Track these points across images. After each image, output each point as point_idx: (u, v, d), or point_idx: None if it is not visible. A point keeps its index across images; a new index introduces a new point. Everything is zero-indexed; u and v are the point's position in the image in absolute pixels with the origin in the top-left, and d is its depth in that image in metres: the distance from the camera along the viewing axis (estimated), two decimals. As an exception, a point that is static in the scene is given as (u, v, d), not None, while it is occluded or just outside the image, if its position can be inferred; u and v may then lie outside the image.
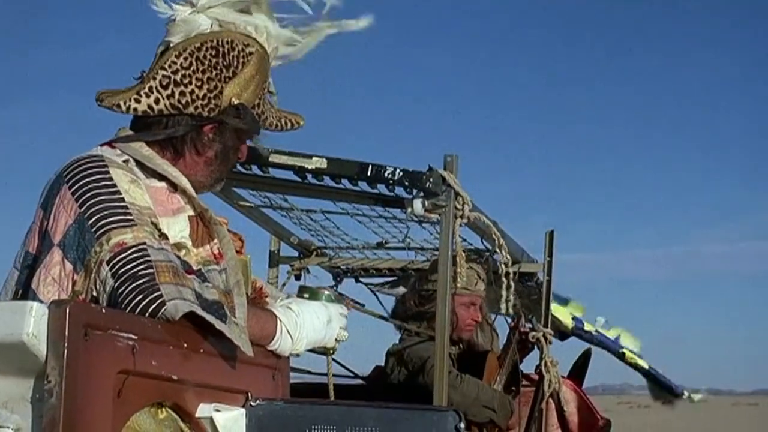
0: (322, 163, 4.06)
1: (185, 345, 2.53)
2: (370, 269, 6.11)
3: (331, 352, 3.12)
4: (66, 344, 2.20)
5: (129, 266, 2.52)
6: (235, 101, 2.86)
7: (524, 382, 5.49)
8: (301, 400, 2.89)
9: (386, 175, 4.03)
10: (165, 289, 2.49)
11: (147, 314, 2.47)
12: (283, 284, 5.78)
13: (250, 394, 2.77)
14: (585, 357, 5.84)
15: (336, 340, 3.03)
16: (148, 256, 2.54)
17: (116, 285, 2.51)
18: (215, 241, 2.81)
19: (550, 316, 5.40)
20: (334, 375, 5.74)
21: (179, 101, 2.82)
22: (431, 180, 4.02)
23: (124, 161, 2.76)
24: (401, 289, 6.07)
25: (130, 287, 2.50)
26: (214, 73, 2.84)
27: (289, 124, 3.06)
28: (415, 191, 4.06)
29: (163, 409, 2.55)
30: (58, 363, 2.20)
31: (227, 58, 2.86)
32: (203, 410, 2.65)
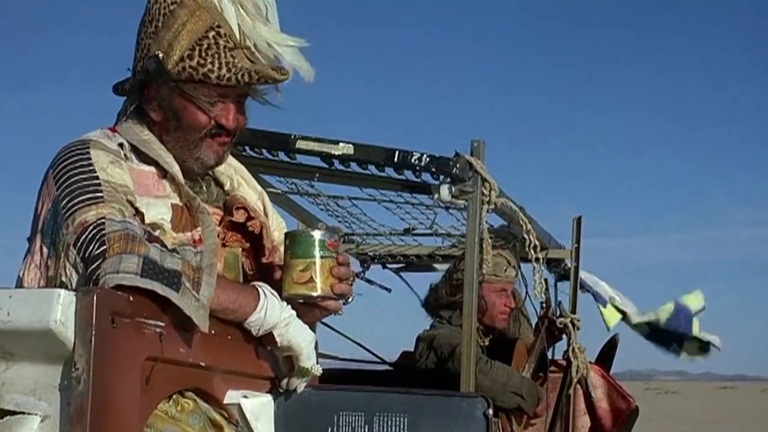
0: (349, 149, 4.06)
1: (212, 332, 2.52)
2: (397, 255, 6.11)
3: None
4: (93, 332, 2.20)
5: (89, 249, 2.42)
6: (159, 55, 2.66)
7: (552, 368, 5.48)
8: (328, 386, 2.89)
9: (413, 161, 4.03)
10: (104, 265, 2.38)
11: None
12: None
13: (278, 380, 2.77)
14: (612, 343, 5.82)
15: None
16: (104, 230, 2.43)
17: (87, 272, 2.41)
18: (198, 228, 2.69)
19: (577, 303, 5.39)
20: (360, 361, 5.80)
21: (132, 71, 2.76)
22: (458, 166, 4.01)
23: (118, 144, 2.69)
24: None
25: (88, 272, 2.40)
26: (143, 31, 2.72)
27: (247, 77, 2.67)
28: (441, 177, 4.06)
29: (190, 401, 2.54)
30: (85, 350, 2.19)
31: (151, 13, 2.72)
32: (231, 397, 2.65)
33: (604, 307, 5.98)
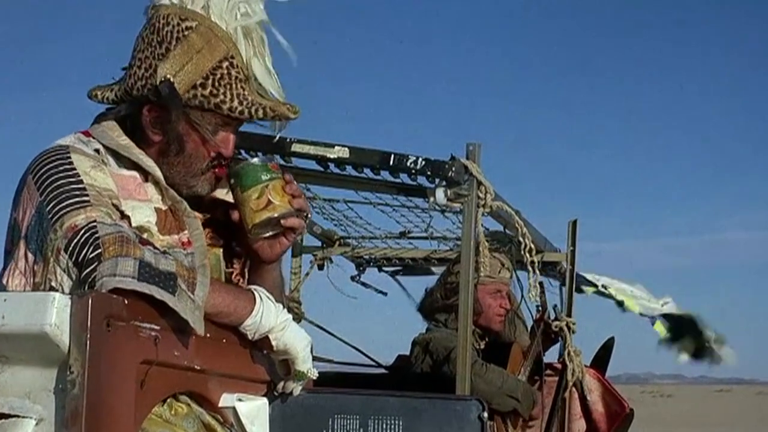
0: (344, 153, 4.06)
1: (208, 335, 2.52)
2: (393, 259, 6.11)
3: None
4: (88, 335, 2.19)
5: (82, 252, 2.39)
6: (171, 79, 2.63)
7: (547, 372, 5.49)
8: (323, 389, 2.89)
9: (408, 164, 4.03)
10: (101, 268, 2.35)
11: None
12: (306, 274, 5.80)
13: (273, 384, 2.77)
14: (608, 346, 5.82)
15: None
16: (97, 233, 2.40)
17: (81, 276, 2.39)
18: (185, 232, 2.67)
19: (573, 306, 5.39)
20: (356, 364, 5.82)
21: (128, 85, 2.70)
22: (453, 169, 4.01)
23: (95, 150, 2.66)
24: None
25: (82, 276, 2.38)
26: (149, 50, 2.67)
27: (261, 113, 2.70)
28: (437, 180, 4.06)
29: (184, 405, 2.54)
30: (80, 354, 2.19)
31: (161, 34, 2.66)
32: (226, 400, 2.65)
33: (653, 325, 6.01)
